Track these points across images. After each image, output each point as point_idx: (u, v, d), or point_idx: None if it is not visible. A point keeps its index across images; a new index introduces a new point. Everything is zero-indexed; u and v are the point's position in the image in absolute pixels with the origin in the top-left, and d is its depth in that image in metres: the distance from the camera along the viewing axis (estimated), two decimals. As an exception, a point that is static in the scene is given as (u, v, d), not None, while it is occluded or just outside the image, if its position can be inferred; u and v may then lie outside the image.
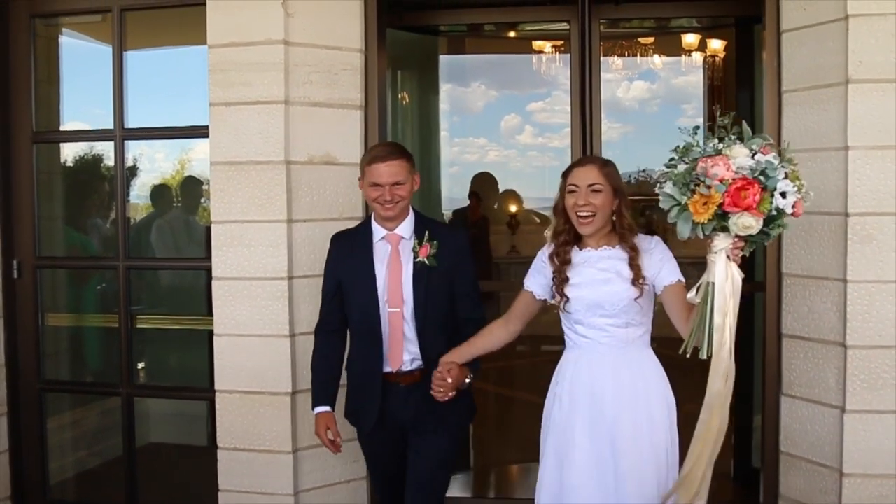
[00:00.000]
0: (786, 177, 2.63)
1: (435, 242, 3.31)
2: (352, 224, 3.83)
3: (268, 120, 3.69)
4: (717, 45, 6.11)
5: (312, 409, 3.38)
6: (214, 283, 3.78)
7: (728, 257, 2.72)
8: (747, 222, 2.61)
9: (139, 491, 4.28)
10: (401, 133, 5.69)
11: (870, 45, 3.33)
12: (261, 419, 3.77)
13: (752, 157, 2.65)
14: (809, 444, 3.58)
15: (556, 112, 8.17)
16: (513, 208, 7.81)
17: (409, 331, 3.32)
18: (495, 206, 7.70)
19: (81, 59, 4.68)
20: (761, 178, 2.61)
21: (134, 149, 4.47)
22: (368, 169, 3.25)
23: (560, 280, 3.11)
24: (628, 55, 6.66)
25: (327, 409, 3.38)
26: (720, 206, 2.59)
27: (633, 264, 3.01)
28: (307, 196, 3.75)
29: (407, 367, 3.33)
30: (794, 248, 3.62)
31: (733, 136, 2.70)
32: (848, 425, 3.41)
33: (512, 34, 6.40)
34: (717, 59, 6.12)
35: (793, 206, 2.63)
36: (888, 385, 3.35)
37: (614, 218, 3.06)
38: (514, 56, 7.31)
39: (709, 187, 2.60)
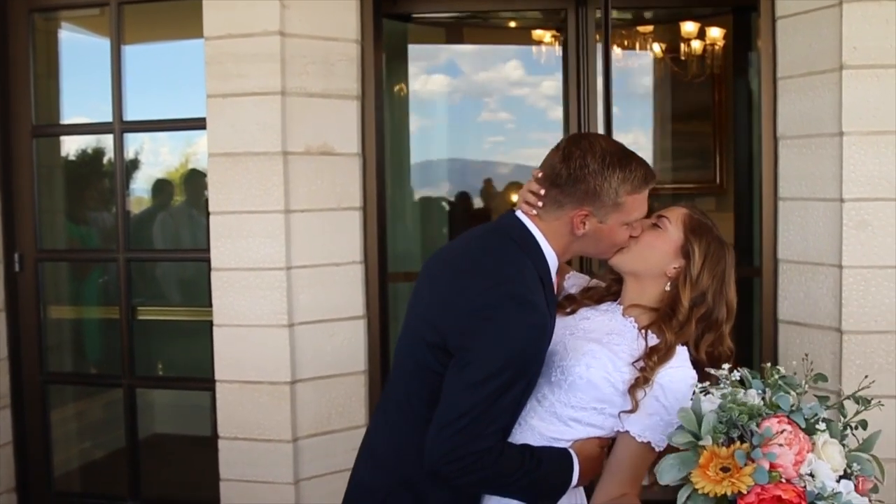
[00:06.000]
0: None
1: None
2: (352, 215, 3.88)
3: (264, 111, 3.69)
4: (716, 33, 6.11)
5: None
6: (213, 274, 3.80)
7: None
8: None
9: (143, 481, 4.31)
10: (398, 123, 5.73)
11: (864, 31, 3.33)
12: (260, 409, 3.79)
13: (839, 479, 1.79)
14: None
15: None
16: (514, 198, 7.81)
17: None
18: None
19: (81, 53, 4.70)
20: None
21: (137, 142, 4.51)
22: (637, 197, 2.18)
23: (561, 306, 2.36)
24: (628, 45, 6.66)
25: None
26: (735, 495, 1.73)
27: (648, 362, 2.11)
28: (304, 186, 3.76)
29: None
30: (789, 234, 3.63)
31: (845, 431, 1.88)
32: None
33: (512, 24, 6.40)
34: (717, 46, 6.13)
35: None
36: (884, 370, 3.36)
37: (667, 287, 2.24)
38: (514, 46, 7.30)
39: (751, 458, 1.73)
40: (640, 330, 2.21)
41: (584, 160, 2.13)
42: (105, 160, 4.60)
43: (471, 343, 2.06)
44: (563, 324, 2.28)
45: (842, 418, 1.90)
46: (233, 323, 3.79)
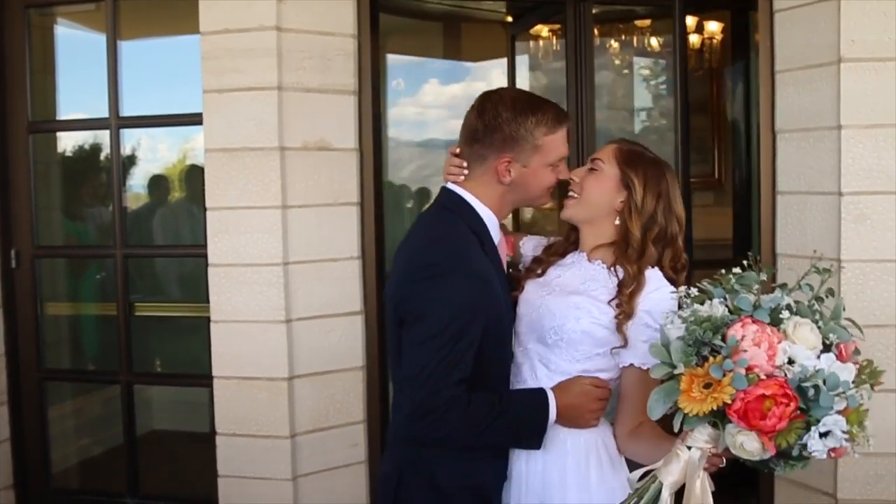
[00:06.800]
0: (843, 411, 1.77)
1: None
2: (349, 210, 3.86)
3: (261, 106, 3.68)
4: (714, 27, 6.10)
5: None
6: (210, 270, 3.79)
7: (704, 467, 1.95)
8: (749, 446, 1.79)
9: (141, 478, 4.30)
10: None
11: (862, 24, 3.32)
12: (258, 405, 3.78)
13: (819, 355, 1.80)
14: (805, 424, 3.59)
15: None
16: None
17: None
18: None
19: (77, 48, 4.70)
20: (809, 395, 1.75)
21: (133, 138, 4.50)
22: (554, 138, 2.29)
23: (531, 269, 2.46)
24: (625, 38, 6.64)
25: None
26: (723, 407, 1.77)
27: (623, 292, 2.22)
28: (302, 182, 3.75)
29: None
30: (787, 228, 3.62)
31: (814, 306, 1.88)
32: (843, 404, 3.42)
33: (509, 19, 6.38)
34: (715, 40, 6.11)
35: (830, 452, 1.80)
36: (882, 364, 3.31)
37: (617, 221, 2.33)
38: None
39: (724, 370, 1.77)
40: (609, 269, 2.30)
41: (496, 110, 2.26)
42: (102, 156, 4.59)
43: (415, 304, 2.17)
44: (538, 286, 2.39)
45: (810, 293, 1.92)
46: (230, 319, 3.78)
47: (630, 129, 6.75)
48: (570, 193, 2.38)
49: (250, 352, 3.77)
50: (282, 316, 3.73)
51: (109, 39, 4.08)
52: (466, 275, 2.16)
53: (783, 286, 1.92)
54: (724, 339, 1.81)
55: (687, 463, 1.93)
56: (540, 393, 2.25)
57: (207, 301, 3.84)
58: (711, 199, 6.38)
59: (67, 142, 4.78)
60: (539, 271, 2.42)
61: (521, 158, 2.26)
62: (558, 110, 2.30)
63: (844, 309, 1.91)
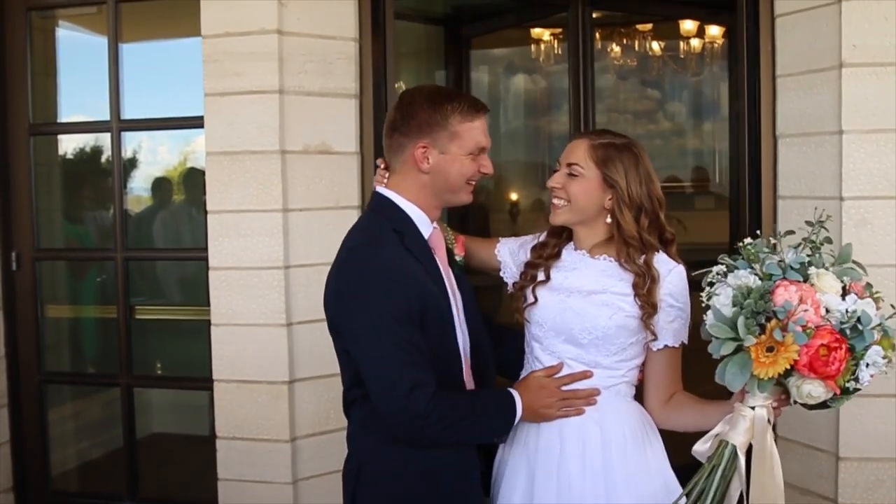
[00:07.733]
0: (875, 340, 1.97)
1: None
2: (350, 214, 3.85)
3: (262, 110, 3.68)
4: (715, 31, 6.10)
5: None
6: (211, 273, 3.79)
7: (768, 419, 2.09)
8: (815, 392, 1.97)
9: (141, 481, 4.30)
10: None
11: (863, 29, 3.32)
12: (259, 408, 3.77)
13: (843, 296, 1.98)
14: (806, 429, 3.58)
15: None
16: (514, 196, 7.77)
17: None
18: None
19: (78, 51, 4.70)
20: (848, 334, 1.96)
21: (134, 141, 4.50)
22: (471, 125, 2.30)
23: (532, 276, 2.46)
24: (627, 42, 6.64)
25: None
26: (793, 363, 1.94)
27: (640, 292, 2.30)
28: (303, 185, 3.75)
29: None
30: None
31: (821, 256, 2.03)
32: (844, 409, 3.35)
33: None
34: (716, 45, 6.12)
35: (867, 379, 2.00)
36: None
37: (608, 220, 2.37)
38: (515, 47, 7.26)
39: (784, 330, 1.92)
40: (617, 262, 2.36)
41: (412, 99, 2.34)
42: (103, 159, 4.59)
43: (347, 325, 2.24)
44: (551, 292, 2.42)
45: (811, 245, 2.07)
46: (231, 322, 3.78)
47: (632, 132, 6.74)
48: (556, 201, 2.40)
49: (251, 355, 3.77)
50: (282, 319, 3.73)
51: (111, 42, 4.09)
52: (381, 269, 2.20)
53: (797, 246, 2.07)
54: (774, 304, 1.95)
55: (754, 422, 2.06)
56: (507, 393, 2.34)
57: (208, 304, 3.84)
58: (712, 204, 6.40)
59: (68, 144, 4.78)
60: (542, 277, 2.45)
61: (438, 144, 2.28)
62: (475, 100, 2.34)
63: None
